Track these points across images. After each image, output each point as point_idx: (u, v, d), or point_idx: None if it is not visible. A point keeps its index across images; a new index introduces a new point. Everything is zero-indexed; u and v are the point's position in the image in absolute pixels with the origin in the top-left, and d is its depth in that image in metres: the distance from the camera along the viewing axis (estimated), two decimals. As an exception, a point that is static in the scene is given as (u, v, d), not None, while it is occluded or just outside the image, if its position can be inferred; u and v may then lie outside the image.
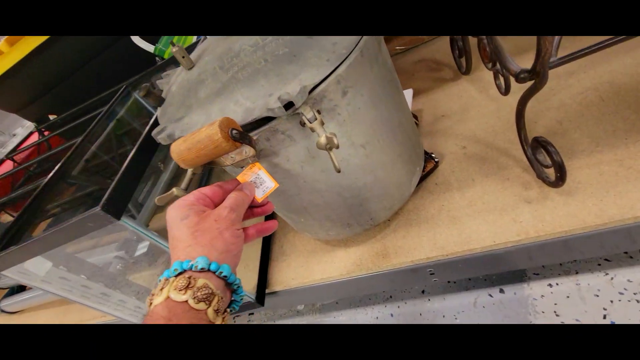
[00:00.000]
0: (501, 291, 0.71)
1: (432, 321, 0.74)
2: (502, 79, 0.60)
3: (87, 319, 0.99)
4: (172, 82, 0.58)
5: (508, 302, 0.69)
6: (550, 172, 0.57)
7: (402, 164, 0.60)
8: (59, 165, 0.69)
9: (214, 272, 0.33)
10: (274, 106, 0.39)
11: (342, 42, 0.43)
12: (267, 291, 0.75)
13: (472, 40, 0.83)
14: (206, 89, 0.49)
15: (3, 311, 1.21)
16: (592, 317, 0.61)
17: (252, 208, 0.43)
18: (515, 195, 0.61)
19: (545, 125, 0.67)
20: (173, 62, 0.93)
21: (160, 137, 0.48)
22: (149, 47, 1.04)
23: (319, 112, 0.41)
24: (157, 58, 1.08)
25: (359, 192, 0.56)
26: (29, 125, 1.39)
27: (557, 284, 0.66)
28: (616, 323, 0.59)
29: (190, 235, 0.34)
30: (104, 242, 0.92)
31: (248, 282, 0.75)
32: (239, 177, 0.43)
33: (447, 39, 0.95)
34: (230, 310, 0.36)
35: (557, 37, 0.44)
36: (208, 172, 1.12)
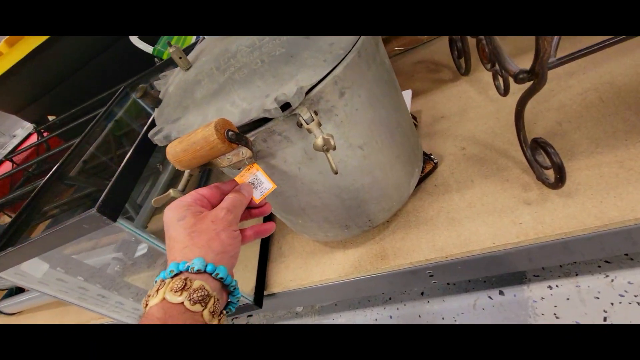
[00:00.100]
0: (501, 293, 0.70)
1: (431, 323, 0.73)
2: (501, 80, 0.59)
3: (85, 321, 0.99)
4: (170, 83, 0.58)
5: (508, 304, 0.68)
6: (550, 174, 0.56)
7: (400, 165, 0.59)
8: (56, 166, 0.69)
9: (211, 274, 0.33)
10: (271, 107, 0.39)
11: (339, 43, 0.43)
12: (265, 293, 0.75)
13: (471, 41, 0.82)
14: (203, 90, 0.49)
15: (2, 312, 1.21)
16: (592, 319, 0.60)
17: (250, 209, 0.43)
18: (515, 197, 0.60)
19: (545, 126, 0.67)
20: (172, 63, 0.92)
21: (157, 139, 0.48)
22: (147, 48, 1.04)
23: (316, 113, 0.41)
24: (156, 59, 1.08)
25: (357, 194, 0.56)
26: (29, 127, 1.39)
27: (557, 286, 0.66)
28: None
29: (187, 236, 0.34)
30: (102, 243, 0.92)
31: (246, 284, 0.75)
32: (237, 178, 0.43)
33: (446, 39, 0.94)
34: (227, 312, 0.36)
35: (556, 38, 0.44)
36: (206, 173, 1.12)
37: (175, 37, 1.05)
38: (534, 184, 0.60)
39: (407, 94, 0.88)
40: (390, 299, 0.82)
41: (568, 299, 0.64)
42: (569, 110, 0.67)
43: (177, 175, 1.01)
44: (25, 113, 1.31)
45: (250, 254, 0.80)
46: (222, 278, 0.33)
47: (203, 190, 0.39)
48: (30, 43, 1.13)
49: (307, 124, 0.40)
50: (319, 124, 0.40)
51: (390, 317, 0.79)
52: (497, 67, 0.57)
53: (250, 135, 0.43)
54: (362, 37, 0.44)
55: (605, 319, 0.59)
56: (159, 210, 0.99)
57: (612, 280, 0.63)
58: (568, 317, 0.62)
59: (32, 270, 0.63)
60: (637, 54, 0.68)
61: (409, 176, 0.63)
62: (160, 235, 0.57)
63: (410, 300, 0.79)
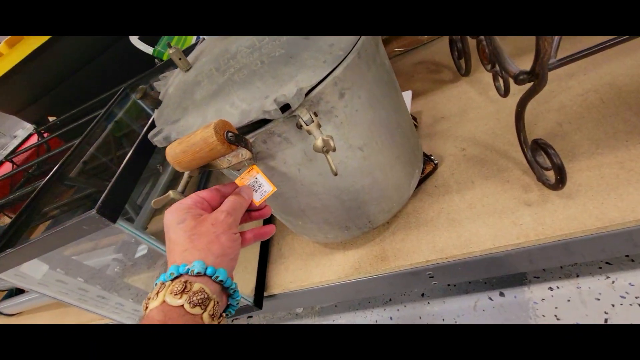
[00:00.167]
0: (501, 294, 0.70)
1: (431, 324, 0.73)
2: (501, 81, 0.59)
3: (85, 322, 0.99)
4: (169, 84, 0.58)
5: (508, 306, 0.68)
6: (551, 175, 0.56)
7: (400, 166, 0.59)
8: (56, 167, 0.69)
9: (210, 277, 0.33)
10: (270, 108, 0.39)
11: (339, 44, 0.43)
12: (265, 294, 0.75)
13: (472, 42, 0.82)
14: (202, 91, 0.49)
15: (1, 313, 1.21)
16: (593, 320, 0.60)
17: (250, 212, 0.43)
18: (515, 198, 0.60)
19: (545, 127, 0.67)
20: (172, 64, 0.92)
21: (157, 140, 0.47)
22: (147, 49, 1.04)
23: (315, 114, 0.40)
24: (156, 60, 1.08)
25: (357, 195, 0.56)
26: (30, 127, 1.39)
27: (557, 288, 0.66)
28: (617, 327, 0.58)
29: (187, 239, 0.34)
30: (103, 244, 0.92)
31: (246, 285, 0.74)
32: (237, 181, 0.43)
33: (446, 40, 0.94)
34: (226, 315, 0.36)
35: (556, 38, 0.43)
36: (206, 174, 1.12)
37: (176, 38, 1.05)
38: (535, 185, 0.60)
39: (407, 95, 0.88)
40: (390, 300, 0.81)
41: (569, 300, 0.64)
42: (569, 111, 0.67)
43: (177, 176, 1.01)
44: (26, 114, 1.31)
45: (250, 255, 0.80)
46: (222, 281, 0.34)
47: (203, 193, 0.39)
48: (31, 44, 1.14)
49: (307, 125, 0.39)
50: (319, 125, 0.40)
51: (391, 318, 0.78)
52: (497, 67, 0.57)
53: (250, 137, 0.43)
54: (362, 37, 0.44)
55: (606, 321, 0.59)
56: (159, 211, 0.99)
57: (613, 282, 0.62)
58: (569, 319, 0.62)
59: (32, 271, 0.63)
60: (638, 55, 0.68)
61: (409, 177, 0.62)
62: (160, 236, 0.57)
63: (411, 302, 0.78)
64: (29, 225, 0.62)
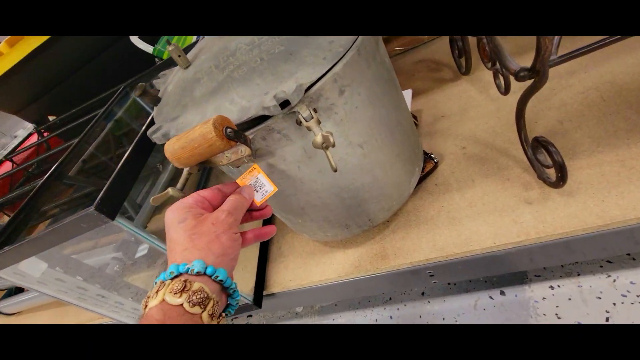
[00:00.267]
0: (502, 293, 0.70)
1: (431, 323, 0.73)
2: (501, 79, 0.59)
3: (85, 321, 0.99)
4: (169, 82, 0.57)
5: (509, 305, 0.68)
6: (551, 173, 0.56)
7: (400, 164, 0.59)
8: (55, 166, 0.68)
9: (210, 276, 0.33)
10: (270, 104, 0.39)
11: (339, 40, 0.43)
12: (264, 293, 0.75)
13: (472, 40, 0.82)
14: (202, 88, 0.49)
15: (1, 312, 1.21)
16: (594, 319, 0.60)
17: (251, 211, 0.43)
18: (516, 196, 0.60)
19: (546, 125, 0.66)
20: (172, 63, 0.92)
21: (156, 137, 0.47)
22: (147, 48, 1.04)
23: (315, 110, 0.40)
24: (156, 59, 1.08)
25: (357, 193, 0.56)
26: (30, 127, 1.39)
27: (558, 286, 0.65)
28: (619, 326, 0.58)
29: (187, 238, 0.34)
30: (102, 243, 0.92)
31: (245, 284, 0.74)
32: (238, 181, 0.42)
33: (446, 39, 0.94)
34: (226, 314, 0.36)
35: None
36: (206, 174, 1.12)
37: (176, 37, 1.05)
38: (535, 183, 0.59)
39: (407, 94, 0.88)
40: (390, 299, 0.81)
41: (570, 299, 0.63)
42: (570, 109, 0.66)
43: (176, 175, 1.00)
44: (26, 113, 1.31)
45: (250, 254, 0.79)
46: (221, 280, 0.33)
47: (204, 192, 0.39)
48: (31, 43, 1.13)
49: (307, 121, 0.39)
50: (319, 122, 0.39)
51: (391, 317, 0.78)
52: (497, 65, 0.57)
53: (249, 133, 0.43)
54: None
55: (607, 319, 0.59)
56: (158, 210, 0.99)
57: (614, 281, 0.62)
58: (570, 318, 0.61)
59: (31, 269, 0.62)
60: (639, 53, 0.68)
61: (409, 175, 0.62)
62: (160, 235, 0.57)
63: (411, 301, 0.78)
64: (28, 223, 0.62)
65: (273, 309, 0.95)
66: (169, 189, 0.43)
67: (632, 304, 0.59)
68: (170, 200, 0.42)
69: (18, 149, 1.22)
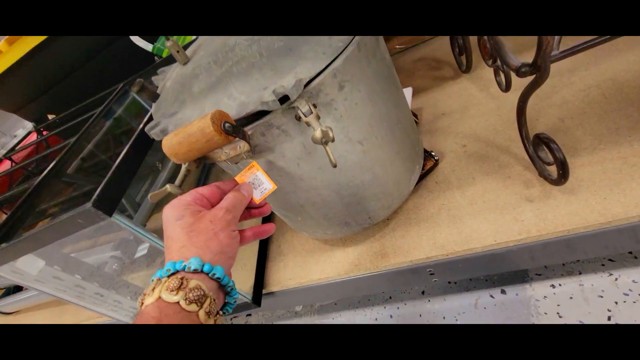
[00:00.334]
0: (503, 292, 0.69)
1: (432, 322, 0.72)
2: (502, 76, 0.59)
3: (83, 320, 0.98)
4: (167, 78, 0.57)
5: (510, 303, 0.67)
6: (552, 170, 0.56)
7: (401, 161, 0.59)
8: (52, 164, 0.68)
9: (207, 274, 0.33)
10: (269, 99, 0.38)
11: (339, 36, 0.42)
12: (264, 292, 0.74)
13: (473, 38, 0.82)
14: (200, 84, 0.48)
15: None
16: (596, 318, 0.59)
17: (250, 209, 0.43)
18: (517, 194, 0.59)
19: (547, 122, 0.66)
20: (171, 61, 0.92)
21: (154, 133, 0.47)
22: (147, 46, 1.04)
23: (314, 106, 0.40)
24: (155, 57, 1.08)
25: (356, 190, 0.55)
26: (30, 127, 1.39)
27: (560, 285, 0.65)
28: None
29: (185, 235, 0.34)
30: (101, 242, 0.92)
31: (245, 283, 0.74)
32: (237, 178, 0.42)
33: (447, 38, 0.94)
34: (224, 313, 0.36)
35: (559, 30, 0.43)
36: (206, 172, 1.11)
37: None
38: (536, 181, 0.59)
39: (407, 92, 0.87)
40: (390, 298, 0.81)
41: (571, 297, 0.63)
42: (571, 107, 0.66)
43: (176, 174, 1.00)
44: (25, 111, 1.31)
45: (249, 252, 0.79)
46: (219, 278, 0.33)
47: (203, 190, 0.39)
48: (30, 42, 1.13)
49: (306, 116, 0.39)
50: (318, 117, 0.39)
51: (391, 316, 0.78)
52: (498, 62, 0.56)
53: (248, 129, 0.42)
54: (361, 29, 0.43)
55: (609, 318, 0.58)
56: (157, 209, 0.99)
57: (616, 279, 0.62)
58: (571, 316, 0.61)
59: (28, 267, 0.62)
60: (640, 50, 0.68)
61: (409, 173, 0.62)
62: (159, 233, 0.57)
63: (411, 300, 0.78)
64: (25, 220, 0.61)
65: (272, 308, 0.95)
66: (167, 186, 0.43)
67: (635, 302, 0.58)
68: (169, 197, 0.41)
69: (17, 147, 1.22)
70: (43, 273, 0.64)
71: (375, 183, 0.56)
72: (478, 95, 0.80)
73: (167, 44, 0.52)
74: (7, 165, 1.16)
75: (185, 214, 0.35)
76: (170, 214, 0.36)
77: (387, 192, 0.59)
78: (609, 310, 0.59)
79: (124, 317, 0.80)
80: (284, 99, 0.39)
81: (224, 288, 0.35)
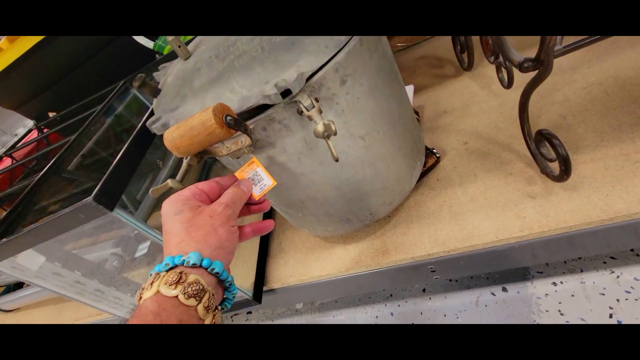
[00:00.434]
0: (504, 290, 0.69)
1: (433, 320, 0.72)
2: (504, 72, 0.59)
3: (84, 317, 0.98)
4: (168, 73, 0.57)
5: (511, 301, 0.67)
6: (555, 167, 0.55)
7: (402, 157, 0.58)
8: (53, 160, 0.68)
9: (206, 269, 0.33)
10: (271, 93, 0.38)
11: (341, 29, 0.42)
12: (264, 289, 0.74)
13: (475, 36, 0.82)
14: (202, 78, 0.48)
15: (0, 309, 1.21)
16: (597, 316, 0.59)
17: (249, 205, 0.43)
18: (519, 191, 0.59)
19: (549, 120, 0.66)
20: (172, 58, 0.92)
21: (155, 127, 0.47)
22: (148, 44, 1.04)
23: (316, 100, 0.40)
24: (156, 55, 1.08)
25: (358, 186, 0.55)
26: (30, 124, 1.39)
27: (561, 283, 0.65)
28: (623, 322, 0.57)
29: (184, 230, 0.34)
30: (102, 239, 0.91)
31: (245, 279, 0.74)
32: (237, 174, 0.42)
33: (448, 36, 0.94)
34: (222, 308, 0.35)
35: (561, 25, 0.43)
36: (207, 169, 1.11)
37: (176, 33, 1.04)
38: (538, 178, 0.59)
39: (409, 89, 0.87)
40: (391, 295, 0.80)
41: (573, 295, 0.63)
42: (573, 104, 0.66)
43: (176, 172, 1.00)
44: (26, 109, 1.31)
45: (250, 249, 0.79)
46: (217, 273, 0.33)
47: (202, 185, 0.39)
48: (31, 39, 1.13)
49: (308, 110, 0.39)
50: (320, 111, 0.39)
51: (392, 314, 0.77)
52: (500, 58, 0.56)
53: (250, 123, 0.42)
54: (364, 23, 0.43)
55: (611, 316, 0.58)
56: (158, 206, 0.99)
57: (618, 277, 0.61)
58: (573, 314, 0.61)
59: (29, 263, 0.62)
60: (643, 48, 0.67)
61: (410, 169, 0.62)
62: (159, 231, 0.57)
63: (412, 297, 0.78)
64: (25, 216, 0.61)
65: (273, 306, 0.94)
66: (169, 181, 0.43)
67: (636, 300, 0.58)
68: (170, 193, 0.41)
69: (18, 144, 1.22)
70: (44, 269, 0.64)
71: (377, 179, 0.56)
72: (480, 92, 0.80)
73: (169, 39, 0.52)
74: (7, 162, 1.16)
75: (184, 208, 0.35)
76: (169, 208, 0.36)
77: (389, 188, 0.59)
78: (611, 308, 0.59)
79: (124, 313, 0.80)
80: (286, 93, 0.39)
81: (223, 283, 0.35)
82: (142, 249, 0.88)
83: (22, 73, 1.19)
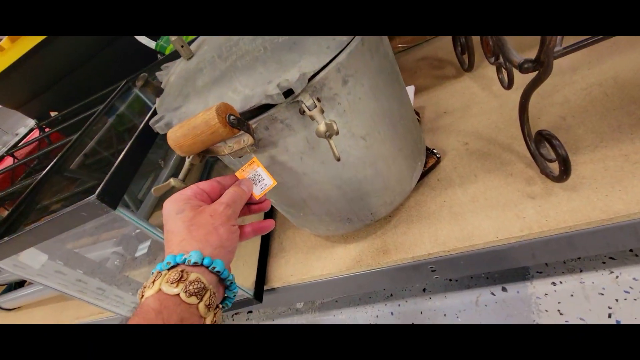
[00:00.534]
0: (504, 289, 0.69)
1: (433, 320, 0.72)
2: (505, 73, 0.59)
3: (85, 316, 0.98)
4: (171, 73, 0.57)
5: (511, 301, 0.67)
6: (554, 167, 0.56)
7: (403, 158, 0.59)
8: (55, 159, 0.68)
9: (207, 267, 0.33)
10: (273, 93, 0.38)
11: (343, 30, 0.43)
12: (265, 288, 0.74)
13: (475, 37, 0.82)
14: (204, 78, 0.49)
15: (1, 308, 1.21)
16: (596, 316, 0.59)
17: (250, 205, 0.43)
18: (519, 191, 0.60)
19: (549, 121, 0.66)
20: (174, 58, 0.92)
21: (158, 126, 0.47)
22: (150, 44, 1.04)
23: (318, 100, 0.40)
24: (158, 55, 1.08)
25: (359, 186, 0.56)
26: (32, 124, 1.39)
27: (560, 282, 0.65)
28: (621, 322, 0.57)
29: (185, 229, 0.34)
30: (103, 237, 0.92)
31: (246, 278, 0.74)
32: (238, 174, 0.42)
33: (449, 37, 0.94)
34: (223, 307, 0.36)
35: (561, 26, 0.43)
36: (208, 169, 1.12)
37: (178, 33, 1.04)
38: (538, 178, 0.59)
39: (410, 90, 0.88)
40: (391, 295, 0.81)
41: (572, 295, 0.63)
42: (573, 105, 0.66)
43: (177, 172, 1.00)
44: (27, 108, 1.31)
45: (251, 248, 0.79)
46: (218, 272, 0.33)
47: (203, 184, 0.39)
48: (33, 39, 1.14)
49: (310, 110, 0.39)
50: (322, 111, 0.39)
51: (392, 313, 0.78)
52: (501, 59, 0.57)
53: (252, 123, 0.43)
54: (365, 24, 0.43)
55: (610, 316, 0.58)
56: (159, 206, 0.99)
57: (617, 277, 0.62)
58: (572, 314, 0.61)
59: (31, 261, 0.62)
60: (642, 49, 0.68)
61: (411, 170, 0.62)
62: (161, 230, 0.57)
63: (412, 297, 0.78)
64: (28, 215, 0.62)
65: (274, 305, 0.95)
66: (171, 180, 0.43)
67: (635, 300, 0.58)
68: (172, 192, 0.42)
69: (19, 144, 1.22)
70: (46, 267, 0.64)
71: (378, 179, 0.56)
72: (480, 93, 0.80)
73: (172, 39, 0.52)
74: (9, 162, 1.16)
75: (186, 208, 0.36)
76: (170, 207, 0.36)
77: (390, 188, 0.59)
78: (610, 308, 0.59)
79: (125, 312, 0.80)
80: (288, 93, 0.39)
81: (224, 282, 0.35)
82: (143, 248, 0.89)
83: (24, 73, 1.20)
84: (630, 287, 0.60)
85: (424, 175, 0.70)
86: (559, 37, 0.43)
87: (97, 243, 0.91)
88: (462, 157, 0.70)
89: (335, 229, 0.65)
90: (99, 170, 0.80)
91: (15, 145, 1.23)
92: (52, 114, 1.30)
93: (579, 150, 0.59)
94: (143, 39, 1.04)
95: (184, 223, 0.34)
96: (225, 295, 0.36)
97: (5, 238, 0.52)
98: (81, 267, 0.72)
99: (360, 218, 0.62)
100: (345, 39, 0.42)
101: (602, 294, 0.61)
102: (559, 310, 0.62)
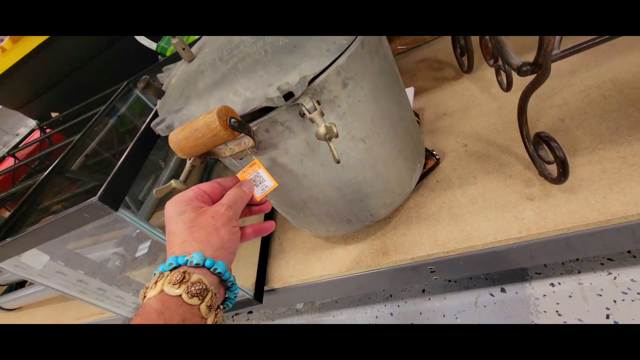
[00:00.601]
0: (502, 290, 0.70)
1: (432, 320, 0.73)
2: (503, 75, 0.59)
3: (85, 316, 0.99)
4: (172, 75, 0.58)
5: (509, 302, 0.68)
6: (553, 169, 0.56)
7: (402, 159, 0.59)
8: (57, 160, 0.69)
9: (209, 268, 0.33)
10: (274, 96, 0.39)
11: (343, 33, 0.43)
12: (265, 288, 0.75)
13: (474, 40, 0.82)
14: (205, 80, 0.49)
15: (1, 308, 1.21)
16: (594, 316, 0.60)
17: (250, 206, 0.43)
18: (517, 193, 0.60)
19: (547, 123, 0.67)
20: (175, 60, 0.93)
21: (159, 128, 0.48)
22: (151, 45, 1.05)
23: (318, 102, 0.41)
24: (159, 56, 1.08)
25: (359, 187, 0.56)
26: (33, 125, 1.40)
27: (559, 284, 0.65)
28: (619, 323, 0.58)
29: (187, 230, 0.34)
30: (104, 238, 0.92)
31: (247, 279, 0.74)
32: (239, 175, 0.43)
33: (448, 39, 0.95)
34: (224, 307, 0.36)
35: (559, 30, 0.43)
36: (209, 170, 1.12)
37: (179, 34, 1.05)
38: (537, 180, 0.60)
39: (409, 91, 0.88)
40: (391, 296, 0.81)
41: (570, 296, 0.63)
42: (571, 107, 0.67)
43: (178, 173, 1.01)
44: (28, 109, 1.32)
45: (252, 249, 0.80)
46: (220, 273, 0.34)
47: (204, 186, 0.39)
48: (34, 40, 1.14)
49: (310, 113, 0.40)
50: (322, 113, 0.40)
51: (391, 314, 0.78)
52: (500, 62, 0.57)
53: (253, 125, 0.43)
54: (365, 28, 0.44)
55: (607, 317, 0.59)
56: (160, 207, 0.99)
57: (615, 278, 0.62)
58: (570, 315, 0.61)
59: (33, 262, 0.63)
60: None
61: (410, 171, 0.62)
62: (162, 231, 0.57)
63: (411, 298, 0.78)
64: (30, 216, 0.62)
65: (274, 305, 0.95)
66: (172, 181, 0.44)
67: (633, 301, 0.59)
68: (173, 193, 0.42)
69: (20, 145, 1.23)
70: (47, 268, 0.64)
71: (377, 180, 0.57)
72: (479, 95, 0.80)
73: (173, 41, 0.52)
74: (10, 162, 1.16)
75: (187, 209, 0.36)
76: (172, 209, 0.37)
77: (389, 189, 0.60)
78: (608, 309, 0.59)
79: (126, 312, 0.80)
80: (288, 96, 0.40)
81: (225, 283, 0.35)
82: (143, 248, 0.89)
83: (25, 73, 1.20)
84: (628, 288, 0.60)
85: (423, 176, 0.70)
86: (557, 40, 0.44)
87: (97, 244, 0.91)
88: (461, 159, 0.70)
89: (335, 230, 0.65)
90: (101, 172, 0.81)
91: (16, 146, 1.24)
92: (53, 114, 1.31)
93: (577, 152, 0.60)
94: (144, 41, 1.04)
95: (186, 224, 0.35)
96: (226, 296, 0.36)
97: (8, 239, 0.52)
98: (82, 268, 0.73)
99: (360, 219, 0.62)
100: (345, 42, 0.42)
101: (600, 295, 0.61)
102: (557, 311, 0.63)
